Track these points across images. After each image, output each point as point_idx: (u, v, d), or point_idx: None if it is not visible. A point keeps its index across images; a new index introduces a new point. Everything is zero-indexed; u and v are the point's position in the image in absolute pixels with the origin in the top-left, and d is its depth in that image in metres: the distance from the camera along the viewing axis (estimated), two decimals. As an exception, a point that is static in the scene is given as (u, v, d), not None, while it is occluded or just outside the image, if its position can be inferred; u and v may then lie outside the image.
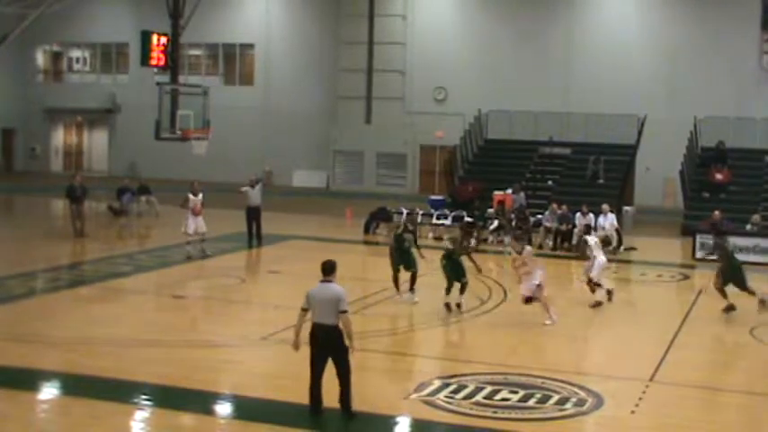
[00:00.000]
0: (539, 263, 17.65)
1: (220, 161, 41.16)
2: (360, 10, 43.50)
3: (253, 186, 26.02)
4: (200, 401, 12.06)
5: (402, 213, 29.80)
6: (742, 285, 18.30)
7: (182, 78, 33.79)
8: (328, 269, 11.33)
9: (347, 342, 11.09)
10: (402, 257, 18.60)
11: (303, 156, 44.79)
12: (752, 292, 18.23)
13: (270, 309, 18.08)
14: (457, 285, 17.73)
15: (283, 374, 13.32)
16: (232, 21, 46.52)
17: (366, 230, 29.06)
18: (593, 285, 18.83)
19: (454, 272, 17.74)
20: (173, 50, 30.51)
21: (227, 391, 12.70)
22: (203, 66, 48.11)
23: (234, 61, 47.67)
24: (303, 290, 11.51)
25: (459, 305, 17.69)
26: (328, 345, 11.10)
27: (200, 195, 23.84)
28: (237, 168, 43.92)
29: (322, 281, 11.28)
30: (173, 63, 30.70)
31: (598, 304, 18.68)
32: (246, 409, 11.96)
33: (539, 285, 16.81)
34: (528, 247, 17.70)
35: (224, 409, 12.16)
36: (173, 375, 13.05)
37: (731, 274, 18.29)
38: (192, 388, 12.54)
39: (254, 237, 25.86)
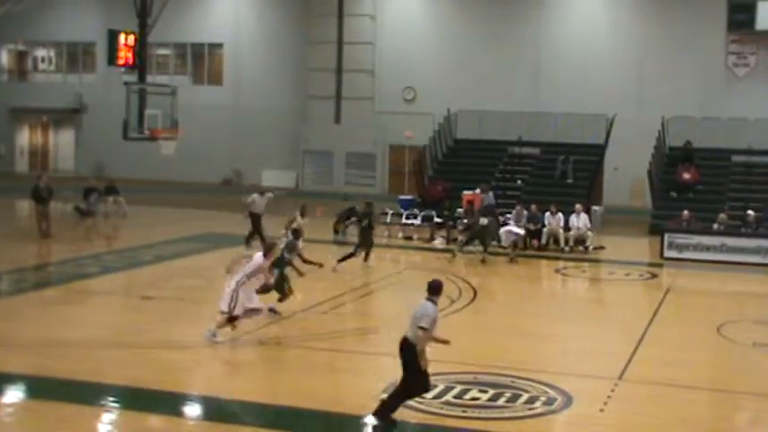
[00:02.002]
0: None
1: (189, 161, 40.89)
2: (329, 10, 43.36)
3: (262, 194, 25.97)
4: (170, 403, 11.97)
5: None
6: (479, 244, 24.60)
7: (150, 78, 33.58)
8: (432, 289, 11.28)
9: (419, 359, 11.02)
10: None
11: (272, 155, 44.58)
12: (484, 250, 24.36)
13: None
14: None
15: (254, 375, 13.25)
16: (200, 20, 46.22)
17: (335, 231, 28.96)
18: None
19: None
20: (140, 50, 30.29)
21: (197, 393, 12.60)
22: (171, 65, 47.76)
23: (202, 61, 47.38)
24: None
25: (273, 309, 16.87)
26: (404, 357, 11.12)
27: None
28: (206, 168, 43.77)
29: (426, 298, 11.20)
30: (140, 62, 30.49)
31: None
32: (216, 410, 11.87)
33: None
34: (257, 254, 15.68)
35: (193, 410, 12.08)
36: (141, 377, 12.92)
37: (474, 237, 24.67)
38: (161, 389, 12.44)
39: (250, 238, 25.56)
